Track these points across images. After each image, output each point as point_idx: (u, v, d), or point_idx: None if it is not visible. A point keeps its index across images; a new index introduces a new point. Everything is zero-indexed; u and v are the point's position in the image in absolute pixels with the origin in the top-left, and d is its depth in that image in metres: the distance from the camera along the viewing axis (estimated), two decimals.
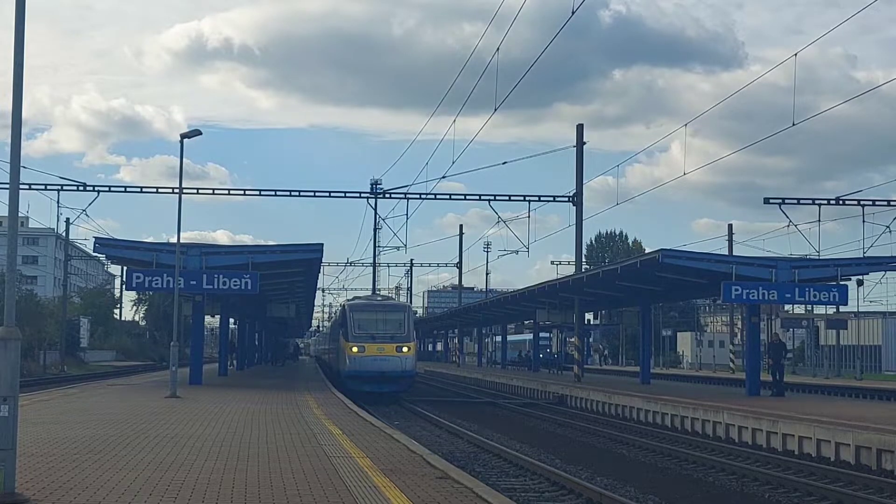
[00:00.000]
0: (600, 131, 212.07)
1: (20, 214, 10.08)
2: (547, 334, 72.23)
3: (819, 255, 40.55)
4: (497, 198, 45.45)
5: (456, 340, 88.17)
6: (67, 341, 64.61)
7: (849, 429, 18.30)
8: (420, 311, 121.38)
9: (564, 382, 39.85)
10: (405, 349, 34.90)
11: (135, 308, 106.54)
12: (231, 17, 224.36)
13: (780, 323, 57.14)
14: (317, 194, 45.54)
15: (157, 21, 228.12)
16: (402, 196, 47.77)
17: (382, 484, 10.79)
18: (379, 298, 42.66)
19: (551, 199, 45.54)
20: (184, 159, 28.26)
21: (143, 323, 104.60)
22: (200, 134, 28.34)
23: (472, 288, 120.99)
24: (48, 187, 44.63)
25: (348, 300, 43.06)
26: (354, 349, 34.88)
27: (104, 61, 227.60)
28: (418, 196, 47.38)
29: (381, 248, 75.69)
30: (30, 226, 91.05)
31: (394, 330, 35.50)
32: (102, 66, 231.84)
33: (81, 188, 44.28)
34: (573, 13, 24.15)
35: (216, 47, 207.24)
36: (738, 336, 64.61)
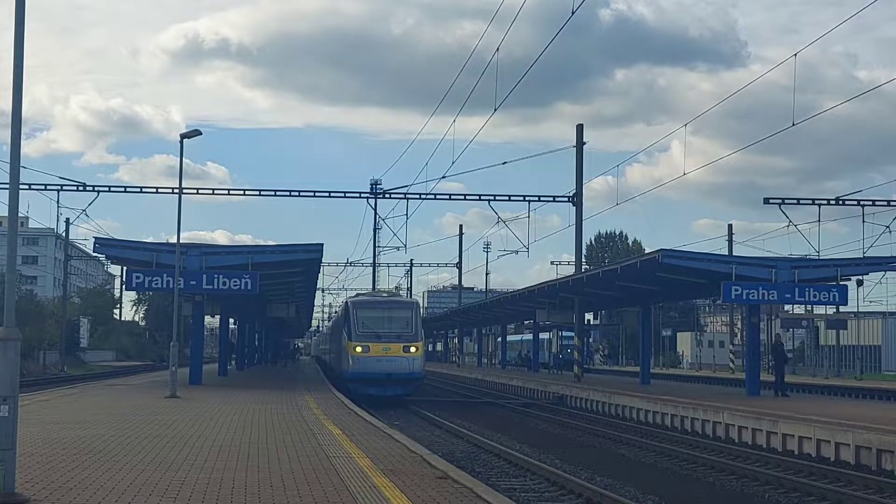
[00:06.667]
0: (600, 131, 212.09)
1: (20, 214, 10.08)
2: (547, 334, 72.16)
3: (819, 255, 40.57)
4: (497, 198, 45.50)
5: (456, 340, 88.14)
6: (67, 341, 64.61)
7: (849, 429, 18.30)
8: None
9: (564, 382, 39.86)
10: (412, 349, 33.12)
11: (135, 308, 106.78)
12: (228, 16, 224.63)
13: (780, 323, 57.14)
14: (317, 194, 45.59)
15: (153, 20, 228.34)
16: (402, 196, 47.86)
17: (382, 484, 10.79)
18: (384, 295, 40.24)
19: (551, 199, 45.60)
20: (183, 159, 28.30)
21: (143, 323, 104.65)
22: (200, 134, 28.33)
23: (472, 288, 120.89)
24: (48, 187, 44.70)
25: (352, 297, 40.34)
26: (358, 349, 33.04)
27: (100, 61, 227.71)
28: (418, 196, 47.47)
29: (381, 248, 75.71)
30: (30, 226, 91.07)
31: (400, 329, 33.67)
32: (98, 65, 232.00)
33: (81, 188, 44.32)
34: (573, 13, 24.17)
35: (213, 47, 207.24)
36: (738, 336, 64.60)
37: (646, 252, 55.27)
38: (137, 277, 31.34)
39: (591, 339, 75.08)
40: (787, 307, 55.64)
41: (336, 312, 70.06)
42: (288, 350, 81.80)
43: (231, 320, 55.51)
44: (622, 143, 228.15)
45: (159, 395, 26.44)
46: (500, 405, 35.17)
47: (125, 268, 34.83)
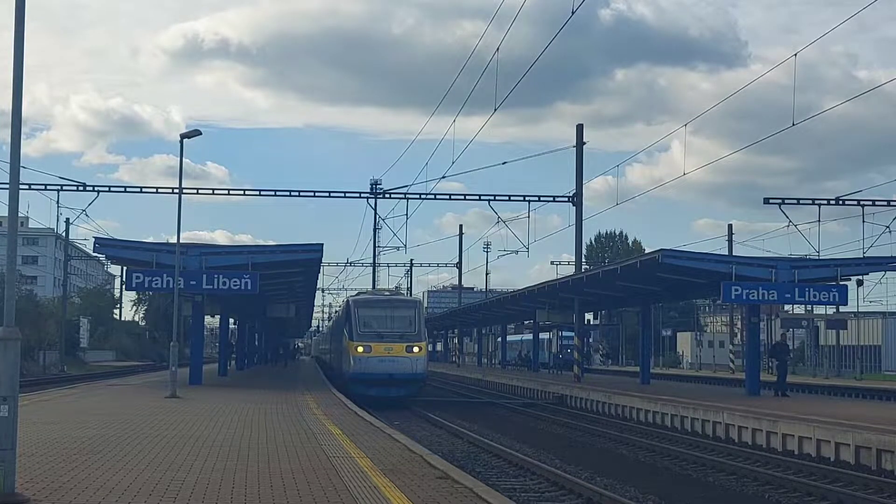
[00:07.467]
0: (600, 131, 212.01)
1: (20, 214, 10.08)
2: (547, 334, 72.16)
3: (819, 255, 40.55)
4: (497, 198, 45.54)
5: (456, 340, 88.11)
6: (67, 341, 64.63)
7: (848, 429, 18.30)
8: None
9: (564, 382, 39.85)
10: (416, 349, 32.42)
11: (135, 308, 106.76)
12: (228, 16, 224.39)
13: (780, 323, 57.16)
14: (317, 194, 45.64)
15: (153, 20, 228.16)
16: (402, 196, 47.91)
17: (382, 484, 10.79)
18: (386, 294, 39.42)
19: (551, 199, 45.64)
20: (183, 159, 28.29)
21: (142, 323, 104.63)
22: (200, 134, 28.30)
23: (472, 288, 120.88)
24: (48, 187, 44.76)
25: (353, 296, 39.07)
26: (359, 349, 32.34)
27: (100, 61, 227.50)
28: (418, 196, 47.51)
29: (380, 249, 75.72)
30: (30, 226, 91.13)
31: (403, 328, 32.98)
32: (98, 65, 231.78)
33: (81, 188, 44.35)
34: (573, 13, 24.16)
35: (213, 47, 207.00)
36: (738, 336, 64.60)
37: (646, 252, 55.24)
38: (137, 277, 31.33)
39: (590, 339, 75.10)
40: (787, 307, 55.72)
41: (336, 312, 69.93)
42: (288, 350, 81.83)
43: (231, 320, 55.54)
44: (622, 143, 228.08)
45: (159, 396, 26.43)
46: (500, 405, 35.17)
47: (125, 268, 34.84)
